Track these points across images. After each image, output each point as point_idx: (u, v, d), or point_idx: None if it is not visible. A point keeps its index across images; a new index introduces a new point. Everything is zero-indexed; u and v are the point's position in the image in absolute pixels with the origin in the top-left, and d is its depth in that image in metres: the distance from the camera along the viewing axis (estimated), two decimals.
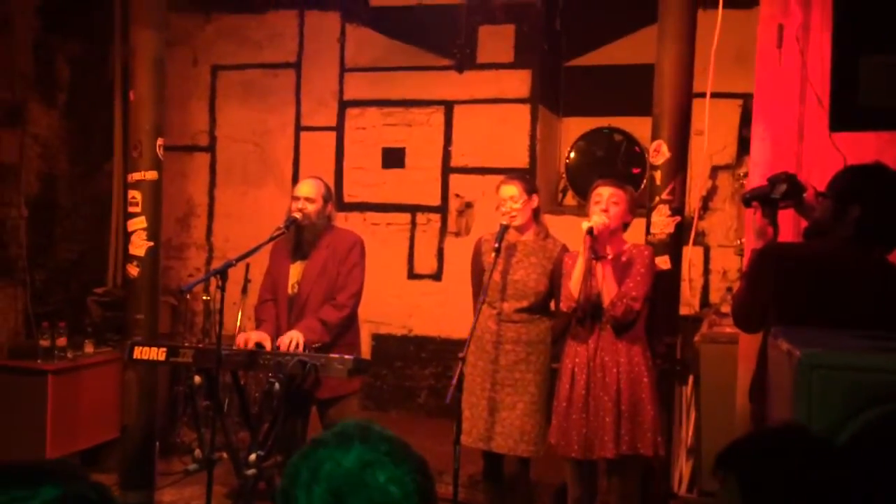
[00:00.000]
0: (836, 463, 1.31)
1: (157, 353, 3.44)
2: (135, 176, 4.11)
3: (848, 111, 2.22)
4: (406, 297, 5.78)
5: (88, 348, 4.73)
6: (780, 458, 1.31)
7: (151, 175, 4.10)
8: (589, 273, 3.15)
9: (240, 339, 3.53)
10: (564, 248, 3.45)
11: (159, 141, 4.12)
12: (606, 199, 3.19)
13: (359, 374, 3.44)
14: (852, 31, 2.21)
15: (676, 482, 4.19)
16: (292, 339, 3.41)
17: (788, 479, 1.28)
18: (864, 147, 2.82)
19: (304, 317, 3.56)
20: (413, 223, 5.83)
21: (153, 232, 4.11)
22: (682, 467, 4.22)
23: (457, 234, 5.74)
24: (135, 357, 3.48)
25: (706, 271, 5.26)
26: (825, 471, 1.28)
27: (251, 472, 3.21)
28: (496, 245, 3.36)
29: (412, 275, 5.82)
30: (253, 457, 3.21)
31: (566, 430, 3.19)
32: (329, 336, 3.51)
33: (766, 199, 2.71)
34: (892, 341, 1.85)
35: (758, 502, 1.28)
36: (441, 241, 5.78)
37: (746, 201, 2.81)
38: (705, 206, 5.23)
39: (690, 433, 4.21)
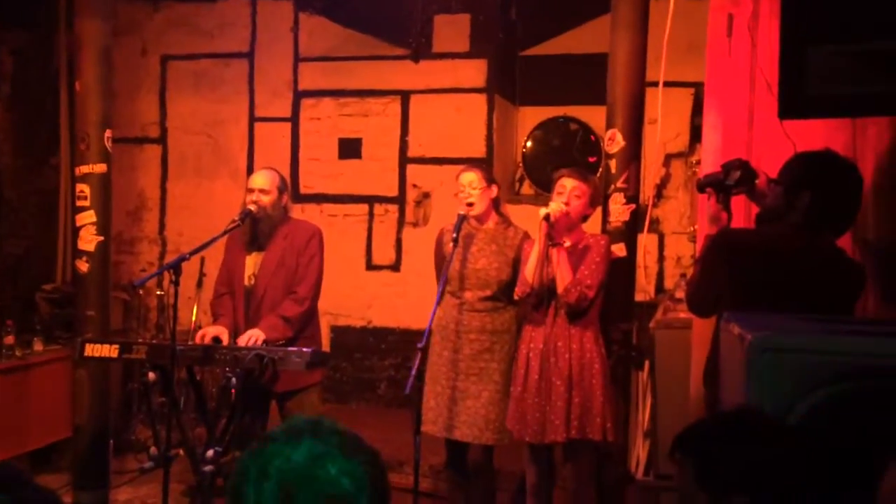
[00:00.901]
0: (787, 444, 1.34)
1: (109, 350, 3.37)
2: (83, 169, 4.01)
3: (797, 99, 2.25)
4: (365, 289, 5.76)
5: (37, 346, 4.61)
6: (733, 441, 1.34)
7: (100, 168, 4.00)
8: (545, 259, 3.17)
9: (198, 337, 3.48)
10: (526, 236, 3.47)
11: (107, 133, 4.02)
12: (569, 191, 3.22)
13: (317, 367, 3.41)
14: (800, 20, 2.24)
15: (634, 465, 4.25)
16: (251, 336, 3.37)
17: (741, 461, 1.31)
18: (813, 134, 2.88)
19: (262, 310, 3.52)
20: (371, 214, 5.80)
21: (103, 226, 4.02)
22: (640, 451, 4.28)
23: (415, 225, 5.73)
24: (86, 354, 3.41)
25: (661, 258, 5.34)
26: (777, 451, 1.31)
27: (209, 468, 3.16)
28: (454, 235, 3.37)
29: (370, 266, 5.80)
30: (210, 453, 3.16)
31: (522, 414, 3.22)
32: (292, 331, 3.48)
33: (720, 186, 2.75)
34: (839, 324, 1.90)
35: (712, 483, 1.31)
36: (399, 232, 5.76)
37: (700, 187, 2.85)
38: (659, 194, 5.30)
39: (647, 417, 4.27)
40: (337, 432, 1.07)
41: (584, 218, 3.31)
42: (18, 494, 0.91)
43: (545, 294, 3.22)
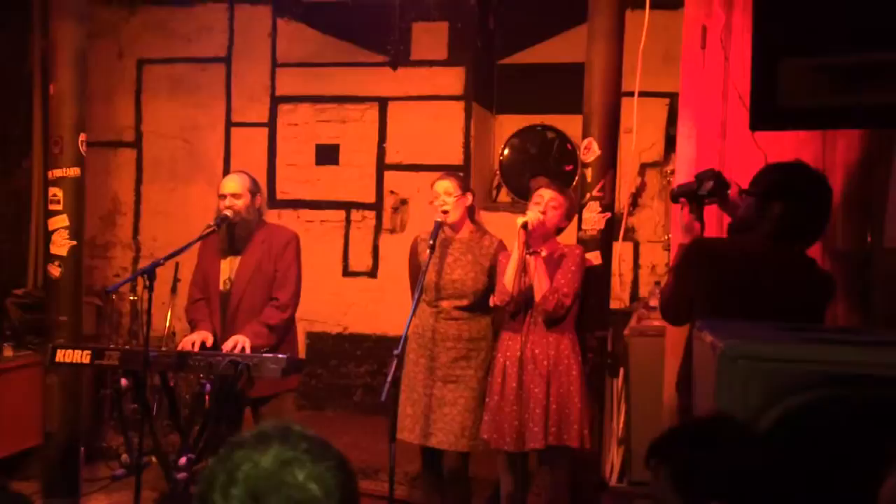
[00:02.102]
0: (761, 450, 1.36)
1: (81, 356, 3.32)
2: (56, 173, 3.97)
3: (768, 111, 2.29)
4: (341, 295, 5.74)
5: (7, 352, 4.55)
6: (709, 448, 1.36)
7: (73, 172, 3.96)
8: (522, 268, 3.19)
9: (186, 343, 3.43)
10: (501, 245, 3.49)
11: (82, 136, 3.99)
12: (546, 201, 3.26)
13: (293, 374, 3.39)
14: (772, 33, 2.28)
15: (608, 472, 4.28)
16: (238, 342, 3.33)
17: (717, 467, 1.32)
18: (784, 145, 2.93)
19: (239, 315, 3.49)
20: (348, 220, 5.79)
21: (76, 230, 3.98)
22: (614, 458, 4.31)
23: (392, 231, 5.73)
24: (57, 360, 3.36)
25: (636, 266, 5.38)
26: (751, 458, 1.33)
27: (182, 475, 3.13)
28: (431, 242, 3.37)
29: (347, 272, 5.78)
30: (183, 460, 3.13)
31: (499, 423, 3.22)
32: (275, 339, 3.46)
33: (693, 196, 2.78)
34: (809, 333, 1.93)
35: (689, 490, 1.32)
36: (376, 238, 5.76)
37: (674, 197, 2.89)
38: (634, 203, 5.35)
39: (621, 424, 4.30)
40: (305, 437, 1.06)
41: (559, 230, 3.35)
42: None
43: (523, 302, 3.23)
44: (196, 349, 3.36)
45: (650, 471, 1.39)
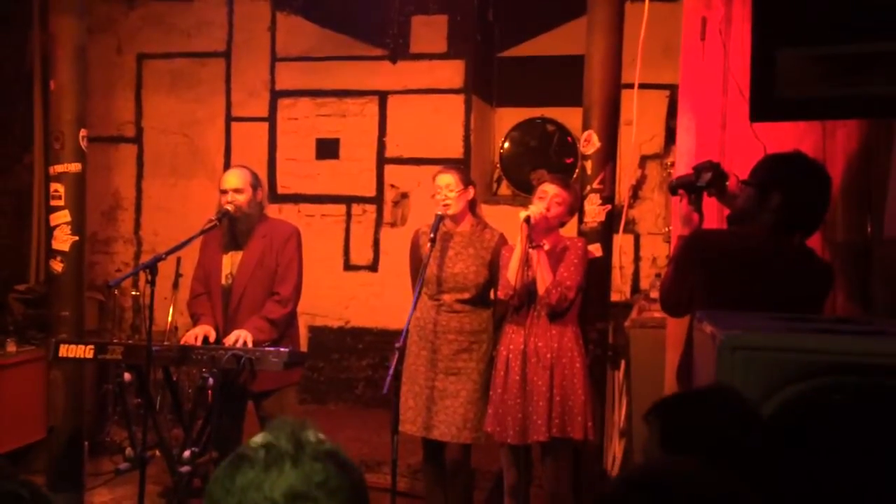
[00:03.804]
0: (751, 421, 1.38)
1: (84, 351, 3.34)
2: (57, 168, 3.97)
3: (767, 102, 2.30)
4: (342, 289, 5.75)
5: (10, 347, 4.56)
6: (699, 408, 1.38)
7: (74, 167, 3.97)
8: (525, 261, 3.20)
9: (189, 337, 3.44)
10: (503, 238, 3.50)
11: (82, 132, 3.99)
12: (550, 197, 3.27)
13: (294, 367, 3.41)
14: (771, 24, 2.29)
15: (609, 463, 4.29)
16: (240, 336, 3.34)
17: (701, 426, 1.35)
18: (784, 137, 2.93)
19: (241, 309, 3.50)
20: (348, 214, 5.80)
21: (77, 226, 3.98)
22: (615, 449, 4.33)
23: (392, 225, 5.73)
24: (60, 355, 3.37)
25: (636, 258, 5.39)
26: (738, 425, 1.35)
27: (185, 469, 3.15)
28: (431, 235, 3.38)
29: (348, 266, 5.79)
30: (187, 453, 3.15)
31: (502, 416, 3.24)
32: (277, 333, 3.47)
33: (692, 187, 2.79)
34: (808, 323, 1.94)
35: (671, 445, 1.34)
36: (377, 232, 5.77)
37: (672, 189, 2.89)
38: (635, 195, 5.35)
39: (623, 416, 4.31)
40: (322, 457, 0.99)
41: (562, 224, 3.35)
42: (2, 486, 0.90)
43: (526, 296, 3.25)
44: (198, 343, 3.38)
45: (647, 427, 1.42)
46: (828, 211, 2.61)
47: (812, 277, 2.49)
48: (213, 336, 3.44)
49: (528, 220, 3.16)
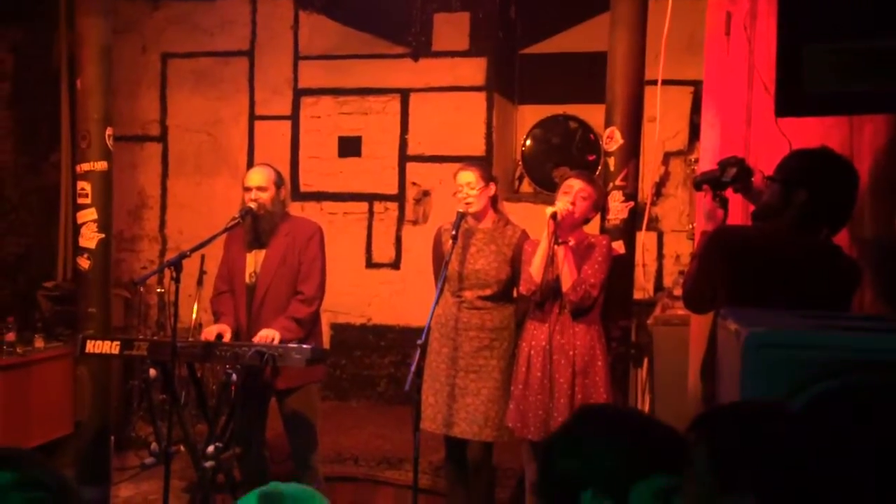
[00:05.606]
0: (807, 446, 1.33)
1: (110, 347, 3.38)
2: (84, 167, 4.02)
3: (793, 97, 2.27)
4: (364, 286, 5.77)
5: (38, 343, 4.63)
6: (754, 433, 1.32)
7: (101, 166, 4.02)
8: (550, 257, 3.19)
9: (205, 336, 3.48)
10: (524, 234, 3.49)
11: (108, 131, 4.04)
12: (576, 192, 3.25)
13: (316, 364, 3.42)
14: (796, 18, 2.26)
15: None
16: (268, 336, 3.36)
17: (755, 445, 1.30)
18: (810, 132, 2.89)
19: (265, 307, 3.52)
20: (370, 212, 5.82)
21: (104, 223, 4.03)
22: None
23: (414, 223, 5.74)
24: (87, 351, 3.43)
25: (660, 256, 5.35)
26: (795, 455, 1.30)
27: (209, 464, 3.18)
28: (453, 232, 3.38)
29: (370, 264, 5.81)
30: (211, 449, 3.18)
31: (523, 412, 3.23)
32: (304, 332, 3.48)
33: (717, 183, 2.76)
34: (835, 320, 1.91)
35: (723, 463, 1.30)
36: (399, 230, 5.78)
37: (697, 185, 2.86)
38: (658, 192, 5.32)
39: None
40: None
41: (587, 220, 3.34)
42: (28, 473, 0.92)
43: (549, 292, 3.23)
44: (211, 339, 3.40)
45: (689, 443, 1.36)
46: (855, 207, 2.57)
47: (838, 274, 2.46)
48: (228, 335, 3.45)
49: (554, 216, 3.14)
